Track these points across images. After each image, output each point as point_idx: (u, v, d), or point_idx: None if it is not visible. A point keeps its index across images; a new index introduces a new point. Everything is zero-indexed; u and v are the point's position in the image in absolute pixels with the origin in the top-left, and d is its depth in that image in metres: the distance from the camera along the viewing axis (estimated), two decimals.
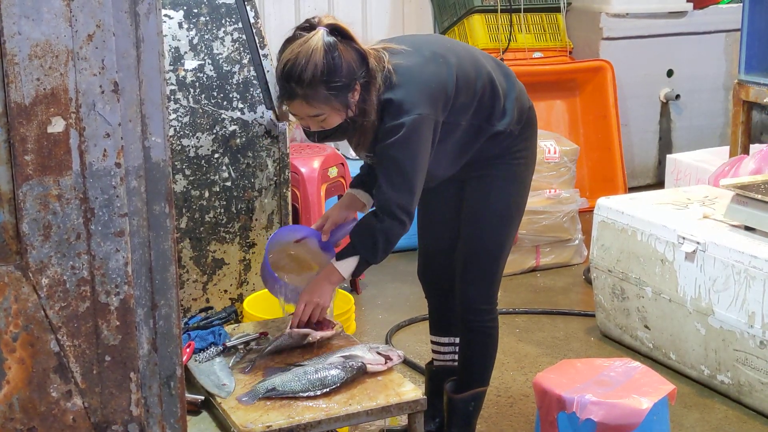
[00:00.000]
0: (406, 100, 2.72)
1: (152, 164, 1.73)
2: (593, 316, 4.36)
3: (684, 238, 3.76)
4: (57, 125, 1.64)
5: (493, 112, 2.94)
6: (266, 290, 3.28)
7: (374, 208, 2.87)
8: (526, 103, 3.04)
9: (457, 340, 3.26)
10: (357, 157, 3.12)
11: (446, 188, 3.07)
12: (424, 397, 2.62)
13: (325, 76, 2.63)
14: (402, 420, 3.19)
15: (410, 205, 2.79)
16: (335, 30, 2.67)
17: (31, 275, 1.68)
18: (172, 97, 3.46)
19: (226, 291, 3.65)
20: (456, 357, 3.27)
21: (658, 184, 6.08)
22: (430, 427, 3.28)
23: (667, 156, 5.43)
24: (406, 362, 3.93)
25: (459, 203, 3.10)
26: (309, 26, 2.69)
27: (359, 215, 3.04)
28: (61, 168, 1.66)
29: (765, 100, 4.73)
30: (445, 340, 3.29)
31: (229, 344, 2.81)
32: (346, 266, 2.83)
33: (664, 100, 6.46)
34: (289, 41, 2.71)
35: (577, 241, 5.17)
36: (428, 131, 2.76)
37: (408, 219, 2.79)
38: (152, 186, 1.74)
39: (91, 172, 1.68)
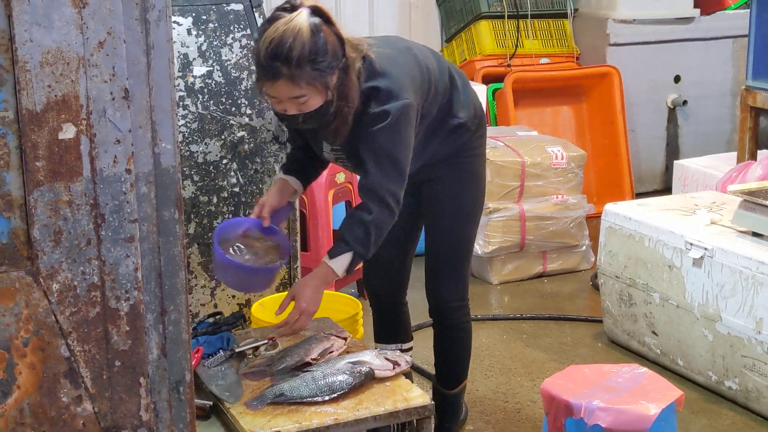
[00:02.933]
0: (393, 87, 2.73)
1: (162, 170, 1.74)
2: (600, 321, 4.36)
3: (691, 244, 3.76)
4: (68, 132, 1.65)
5: (452, 105, 2.99)
6: (275, 295, 3.28)
7: (361, 195, 2.78)
8: (478, 101, 3.11)
9: (403, 345, 3.31)
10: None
11: None
12: (432, 402, 2.62)
13: (312, 56, 2.60)
14: None
15: (400, 192, 2.76)
16: (317, 12, 2.65)
17: (41, 281, 1.69)
18: (181, 103, 3.47)
19: (234, 296, 3.66)
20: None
21: (666, 190, 6.07)
22: None
23: (675, 162, 5.42)
24: (414, 368, 3.92)
25: (410, 209, 3.06)
26: (290, 7, 2.65)
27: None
28: (71, 174, 1.67)
29: None
30: (392, 346, 3.28)
31: (237, 350, 2.82)
32: (341, 263, 2.74)
33: (671, 106, 6.45)
34: (270, 21, 2.65)
35: (584, 247, 5.16)
36: (414, 118, 2.78)
37: (397, 207, 2.76)
38: (162, 192, 1.75)
39: (102, 178, 1.69)
